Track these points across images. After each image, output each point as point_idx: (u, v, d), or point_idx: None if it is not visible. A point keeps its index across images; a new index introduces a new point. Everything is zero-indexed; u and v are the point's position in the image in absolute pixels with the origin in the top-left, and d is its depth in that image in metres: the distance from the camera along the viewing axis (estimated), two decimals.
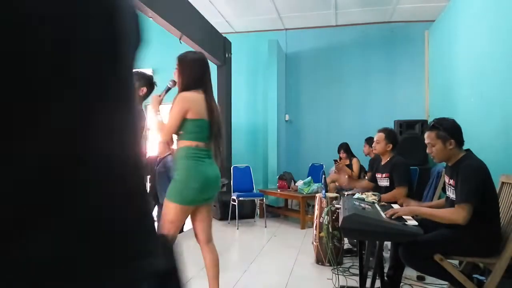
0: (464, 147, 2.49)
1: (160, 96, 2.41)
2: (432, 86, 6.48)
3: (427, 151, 2.52)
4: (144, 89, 2.77)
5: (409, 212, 2.36)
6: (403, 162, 3.46)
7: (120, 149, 0.41)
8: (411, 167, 4.93)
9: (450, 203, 2.44)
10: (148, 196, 0.57)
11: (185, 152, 2.25)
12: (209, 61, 2.43)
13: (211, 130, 2.29)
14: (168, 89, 2.51)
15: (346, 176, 5.23)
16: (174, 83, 2.41)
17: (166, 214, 2.25)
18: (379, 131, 3.57)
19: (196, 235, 2.39)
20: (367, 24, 7.14)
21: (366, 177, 4.89)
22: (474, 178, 2.25)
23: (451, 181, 2.42)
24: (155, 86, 2.88)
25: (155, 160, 4.91)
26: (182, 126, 2.25)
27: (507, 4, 3.44)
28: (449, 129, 2.41)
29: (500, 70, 3.53)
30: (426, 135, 2.52)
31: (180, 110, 2.22)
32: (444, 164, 2.64)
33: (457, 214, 2.21)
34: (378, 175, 3.56)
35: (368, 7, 6.51)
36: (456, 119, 2.56)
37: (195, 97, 2.25)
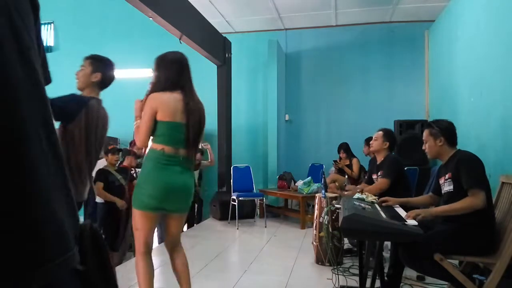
0: (465, 148, 2.53)
1: (142, 101, 2.15)
2: (432, 86, 6.48)
3: (422, 147, 2.65)
4: (99, 75, 2.31)
5: (429, 215, 2.40)
6: (394, 157, 3.52)
7: None
8: (411, 167, 4.96)
9: (448, 196, 2.47)
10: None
11: (149, 155, 2.10)
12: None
13: (187, 134, 2.08)
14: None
15: (346, 177, 5.24)
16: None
17: (133, 220, 2.13)
18: (379, 130, 3.62)
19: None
20: (367, 24, 7.14)
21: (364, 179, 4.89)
22: (478, 165, 2.36)
23: (447, 175, 2.47)
24: (113, 74, 2.42)
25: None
26: (155, 129, 2.08)
27: (507, 4, 3.44)
28: (442, 128, 2.54)
29: (500, 70, 3.53)
30: (423, 133, 2.65)
31: (148, 110, 2.05)
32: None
33: (474, 201, 2.26)
34: (374, 176, 3.57)
35: (368, 7, 6.51)
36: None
37: (165, 97, 2.07)
